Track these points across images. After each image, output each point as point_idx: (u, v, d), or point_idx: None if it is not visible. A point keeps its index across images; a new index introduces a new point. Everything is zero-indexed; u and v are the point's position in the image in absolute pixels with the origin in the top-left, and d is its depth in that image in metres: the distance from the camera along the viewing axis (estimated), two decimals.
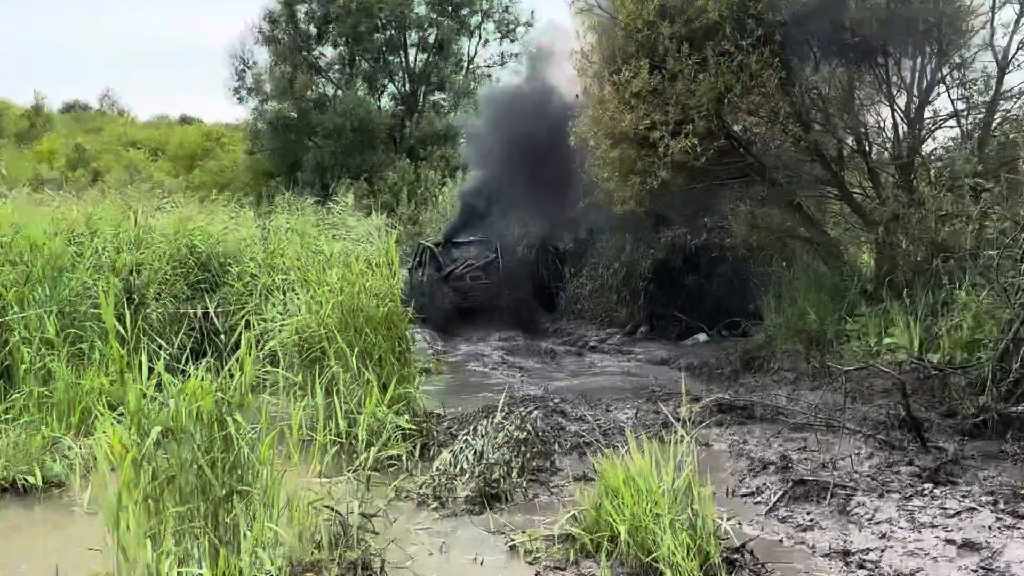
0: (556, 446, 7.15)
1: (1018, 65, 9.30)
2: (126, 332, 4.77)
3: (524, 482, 6.17)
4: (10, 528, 5.74)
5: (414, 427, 7.12)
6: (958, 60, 9.66)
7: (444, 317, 16.60)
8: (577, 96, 12.06)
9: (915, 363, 7.99)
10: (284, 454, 4.75)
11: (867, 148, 10.45)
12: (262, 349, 6.88)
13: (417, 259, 18.96)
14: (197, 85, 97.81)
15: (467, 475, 6.10)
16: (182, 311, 9.45)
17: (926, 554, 4.86)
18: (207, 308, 9.30)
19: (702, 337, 14.55)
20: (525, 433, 6.80)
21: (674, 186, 10.47)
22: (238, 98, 36.53)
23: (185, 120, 58.23)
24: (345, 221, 11.00)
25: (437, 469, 6.28)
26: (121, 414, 4.44)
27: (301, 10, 35.54)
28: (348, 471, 5.68)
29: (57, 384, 7.34)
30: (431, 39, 37.03)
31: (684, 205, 12.65)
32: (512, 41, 37.52)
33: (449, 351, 14.76)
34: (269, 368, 5.79)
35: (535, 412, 7.79)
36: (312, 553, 4.56)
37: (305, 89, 34.76)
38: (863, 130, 10.40)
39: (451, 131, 34.81)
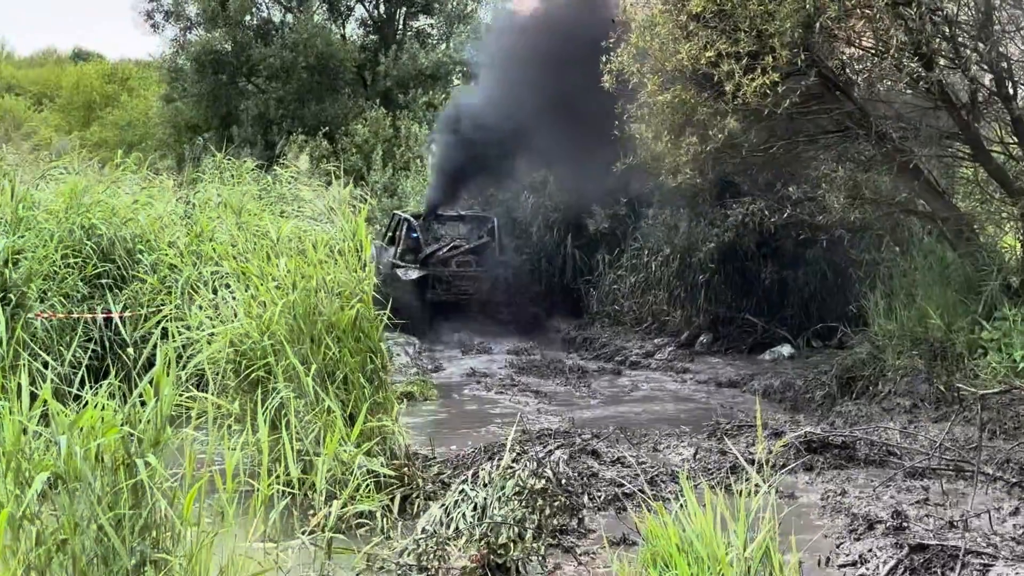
0: (586, 498, 7.14)
1: None
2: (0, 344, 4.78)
3: (542, 547, 6.16)
4: None
5: (392, 473, 7.11)
6: None
7: (416, 312, 16.61)
8: (614, 20, 12.02)
9: None
10: (215, 510, 4.74)
11: (1011, 90, 10.38)
12: (185, 367, 6.88)
13: (390, 233, 19.06)
14: (95, 8, 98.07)
15: (464, 538, 6.08)
16: (76, 315, 9.47)
17: None
18: (110, 311, 9.31)
19: (785, 350, 14.53)
20: (543, 481, 6.78)
21: (746, 143, 10.42)
22: (151, 25, 36.56)
23: (80, 56, 58.39)
24: (298, 192, 11.00)
25: (423, 530, 6.26)
26: None
27: None
28: (302, 532, 5.67)
29: None
30: None
31: (760, 169, 12.61)
32: None
33: (440, 367, 14.78)
34: (194, 393, 5.79)
35: (557, 452, 7.78)
36: None
37: (243, 12, 34.80)
38: (1006, 65, 10.33)
39: (441, 69, 34.78)
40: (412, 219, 18.86)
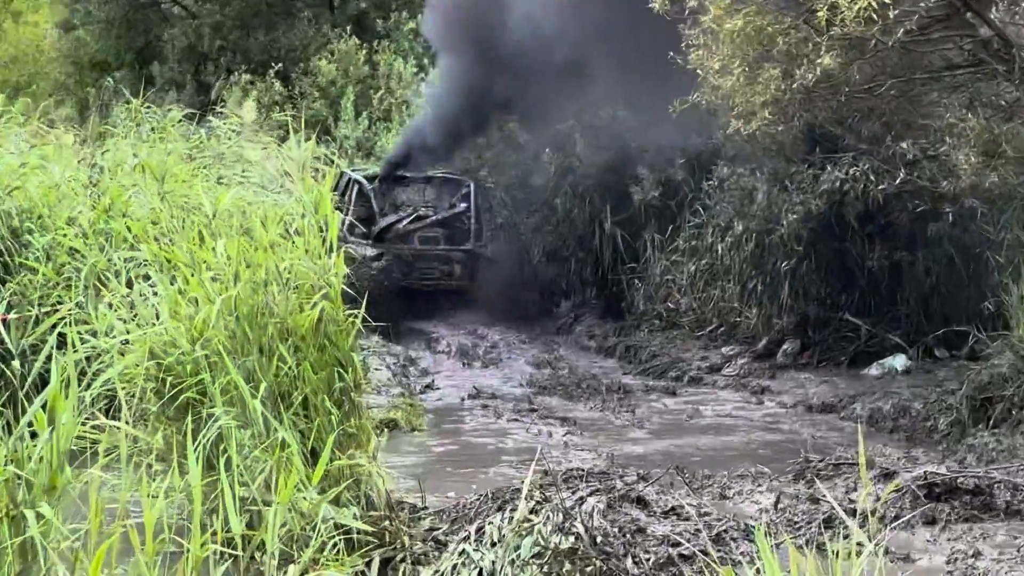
0: (629, 562, 7.14)
1: None
2: None
3: None
4: None
5: (369, 528, 7.13)
6: None
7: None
8: None
9: None
10: None
11: None
12: (89, 386, 6.90)
13: (337, 197, 19.19)
14: None
15: None
16: None
17: None
18: None
19: (898, 362, 14.51)
20: (572, 539, 6.80)
21: (845, 83, 10.40)
22: None
23: None
24: (242, 151, 11.01)
25: None
26: None
27: None
28: None
29: None
30: None
31: (864, 117, 12.58)
32: None
33: (433, 385, 14.79)
34: (102, 421, 5.81)
35: (591, 500, 7.79)
36: None
37: None
38: None
39: None
40: (364, 181, 18.92)
